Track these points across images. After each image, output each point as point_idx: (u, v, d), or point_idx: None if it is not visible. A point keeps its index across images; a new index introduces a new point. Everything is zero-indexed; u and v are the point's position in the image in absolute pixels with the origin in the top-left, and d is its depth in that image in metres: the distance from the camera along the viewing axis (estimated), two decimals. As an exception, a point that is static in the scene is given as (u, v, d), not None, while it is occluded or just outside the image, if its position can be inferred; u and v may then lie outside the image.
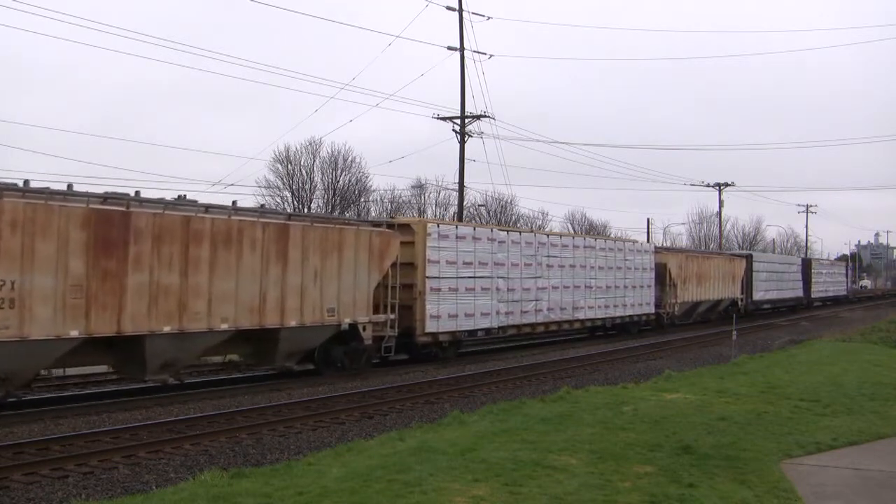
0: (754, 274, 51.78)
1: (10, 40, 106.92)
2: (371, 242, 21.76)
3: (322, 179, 66.34)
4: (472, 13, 37.24)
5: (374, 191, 68.37)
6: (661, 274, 39.57)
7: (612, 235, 72.03)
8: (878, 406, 15.49)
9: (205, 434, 13.71)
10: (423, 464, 10.32)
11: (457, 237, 25.50)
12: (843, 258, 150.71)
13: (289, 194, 64.85)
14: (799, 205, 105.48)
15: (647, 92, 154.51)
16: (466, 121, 36.84)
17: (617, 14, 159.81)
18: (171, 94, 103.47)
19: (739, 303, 49.47)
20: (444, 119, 37.54)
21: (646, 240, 70.75)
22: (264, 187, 63.48)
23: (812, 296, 65.84)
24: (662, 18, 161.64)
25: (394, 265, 22.73)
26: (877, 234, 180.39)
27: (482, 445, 11.48)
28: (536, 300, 29.46)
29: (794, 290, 61.06)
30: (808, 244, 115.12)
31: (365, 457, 11.09)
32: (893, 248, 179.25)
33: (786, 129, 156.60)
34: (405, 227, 24.34)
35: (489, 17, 38.58)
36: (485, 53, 38.14)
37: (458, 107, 36.72)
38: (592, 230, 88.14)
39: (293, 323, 19.52)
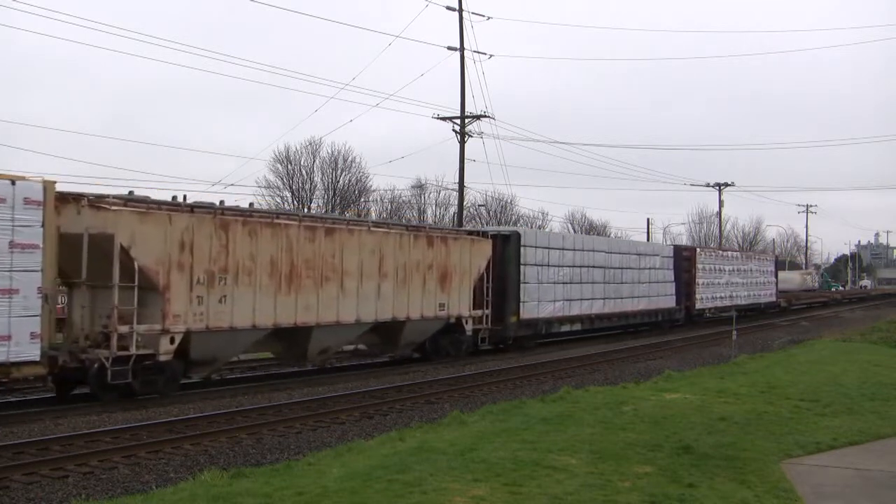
0: (526, 270, 28.90)
1: (12, 40, 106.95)
2: None
3: (322, 179, 66.52)
4: (472, 13, 37.35)
5: (374, 191, 68.57)
6: (102, 267, 16.25)
7: None
8: (878, 406, 15.49)
9: (205, 434, 13.71)
10: (423, 464, 10.32)
11: None
12: (842, 258, 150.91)
13: (289, 194, 64.92)
14: (799, 205, 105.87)
15: (648, 92, 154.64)
16: (466, 121, 36.86)
17: (618, 14, 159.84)
18: (171, 93, 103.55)
19: (467, 324, 25.94)
20: (444, 119, 37.59)
21: (647, 241, 67.53)
22: (264, 187, 63.60)
23: (698, 305, 42.43)
24: (663, 19, 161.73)
25: None
26: (877, 234, 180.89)
27: (482, 445, 11.48)
28: None
29: (654, 299, 38.23)
30: (808, 244, 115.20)
31: (365, 457, 11.10)
32: (893, 248, 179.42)
33: (786, 129, 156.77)
34: None
35: (489, 17, 38.61)
36: (485, 53, 38.24)
37: (459, 107, 36.79)
38: (592, 230, 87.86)
39: None
